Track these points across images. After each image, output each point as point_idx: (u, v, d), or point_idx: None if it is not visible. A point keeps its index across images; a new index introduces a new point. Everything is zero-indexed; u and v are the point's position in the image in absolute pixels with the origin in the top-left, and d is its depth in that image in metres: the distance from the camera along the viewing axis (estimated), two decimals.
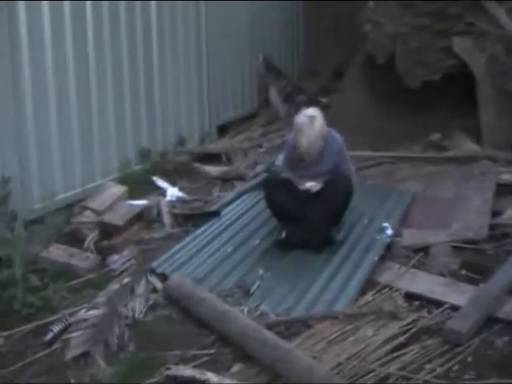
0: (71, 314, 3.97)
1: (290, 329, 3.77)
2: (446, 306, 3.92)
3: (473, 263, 4.46)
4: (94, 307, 4.03)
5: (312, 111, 4.73)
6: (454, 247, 4.64)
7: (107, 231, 4.92)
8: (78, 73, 5.45)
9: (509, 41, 6.45)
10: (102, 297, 4.14)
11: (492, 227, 4.87)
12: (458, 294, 4.03)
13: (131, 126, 6.16)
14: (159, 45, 6.50)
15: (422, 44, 6.79)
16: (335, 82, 8.61)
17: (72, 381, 3.42)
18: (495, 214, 5.08)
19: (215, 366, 3.50)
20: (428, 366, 3.41)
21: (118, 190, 5.43)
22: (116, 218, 5.01)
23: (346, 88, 7.58)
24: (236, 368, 3.47)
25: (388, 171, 6.14)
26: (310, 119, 4.63)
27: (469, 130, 6.49)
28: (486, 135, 6.43)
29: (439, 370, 3.38)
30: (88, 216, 5.06)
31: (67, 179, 5.39)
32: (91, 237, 4.84)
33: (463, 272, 4.38)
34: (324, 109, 6.14)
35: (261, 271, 4.40)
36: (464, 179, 5.68)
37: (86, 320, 3.89)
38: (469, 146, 6.37)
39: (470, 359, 3.47)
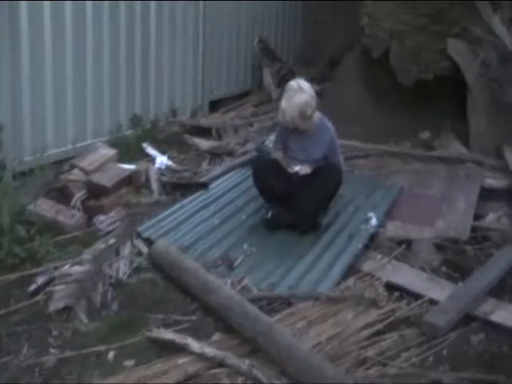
0: (56, 268, 3.98)
1: (271, 305, 3.80)
2: (425, 299, 3.98)
3: (453, 262, 4.52)
4: (79, 263, 4.02)
5: (306, 84, 4.68)
6: (436, 244, 4.70)
7: (95, 191, 4.90)
8: (75, 36, 5.44)
9: (502, 49, 6.54)
10: (87, 254, 4.13)
11: (474, 229, 4.94)
12: (437, 290, 4.09)
13: (125, 91, 6.16)
14: (157, 18, 6.47)
15: (418, 43, 6.81)
16: (330, 71, 8.63)
17: (54, 332, 3.45)
18: (478, 216, 5.15)
19: (196, 332, 3.53)
20: (404, 355, 3.47)
21: (108, 151, 5.41)
22: (105, 179, 4.99)
23: (342, 78, 7.59)
24: (216, 337, 3.50)
25: (376, 164, 6.18)
26: (300, 88, 4.60)
27: (458, 132, 6.56)
28: (474, 141, 6.49)
29: (414, 359, 3.44)
30: (77, 174, 5.06)
31: (59, 135, 5.39)
32: (79, 195, 4.84)
33: (443, 269, 4.44)
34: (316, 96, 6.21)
35: (246, 246, 4.43)
36: (450, 180, 5.73)
37: (70, 275, 3.89)
38: (456, 148, 6.44)
39: (445, 352, 3.54)
